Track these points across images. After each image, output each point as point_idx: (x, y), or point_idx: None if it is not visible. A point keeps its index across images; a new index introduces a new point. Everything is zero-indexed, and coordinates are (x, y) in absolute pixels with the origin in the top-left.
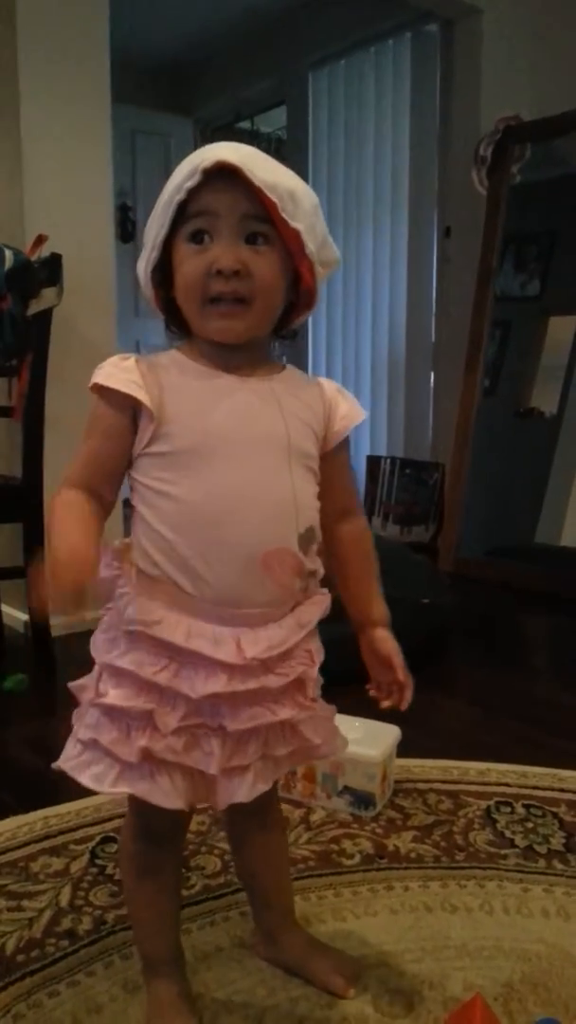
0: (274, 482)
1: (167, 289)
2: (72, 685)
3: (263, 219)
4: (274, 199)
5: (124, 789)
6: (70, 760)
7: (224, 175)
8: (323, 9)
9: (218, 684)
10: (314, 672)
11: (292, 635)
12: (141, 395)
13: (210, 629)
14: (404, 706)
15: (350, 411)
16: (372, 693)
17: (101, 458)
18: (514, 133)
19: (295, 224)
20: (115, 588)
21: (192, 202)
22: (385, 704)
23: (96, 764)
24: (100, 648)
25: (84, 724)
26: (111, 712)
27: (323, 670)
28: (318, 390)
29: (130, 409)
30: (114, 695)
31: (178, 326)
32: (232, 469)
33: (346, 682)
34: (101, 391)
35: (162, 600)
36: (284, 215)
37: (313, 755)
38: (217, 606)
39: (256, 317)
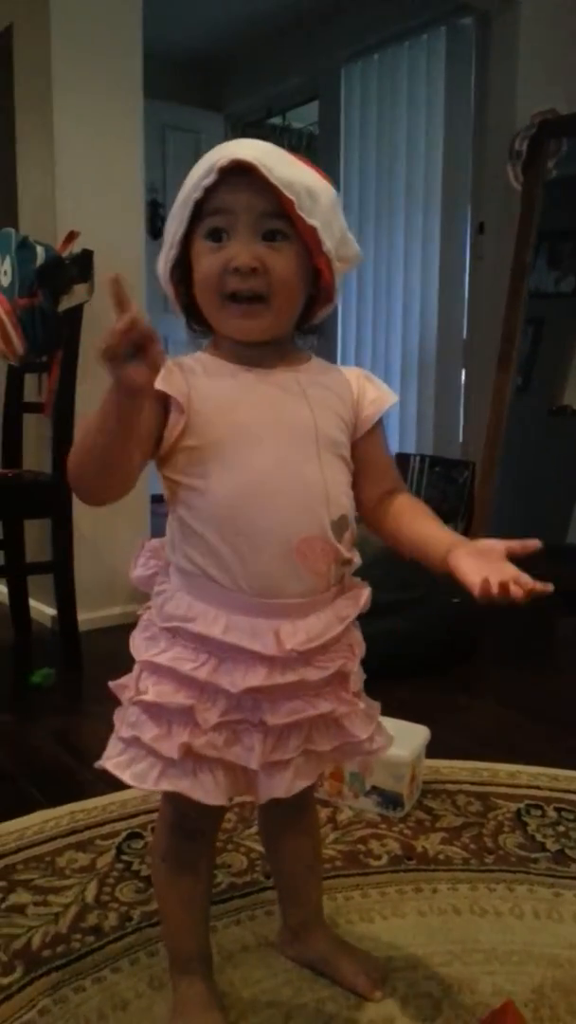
0: (303, 470)
1: (187, 286)
2: (113, 684)
3: (280, 216)
4: (291, 196)
5: (166, 787)
6: (112, 759)
7: (241, 172)
8: (356, 3)
9: (257, 678)
10: (355, 665)
11: (331, 628)
12: (170, 389)
13: (248, 622)
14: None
15: (379, 395)
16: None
17: None
18: (550, 127)
19: (312, 221)
20: (152, 585)
21: (209, 200)
22: (531, 587)
23: (138, 762)
24: (139, 647)
25: (126, 723)
26: (151, 709)
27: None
28: (344, 377)
29: (160, 402)
30: (154, 692)
31: (198, 323)
32: (261, 459)
33: (374, 679)
34: None
35: (199, 596)
36: (301, 212)
37: (359, 751)
38: (254, 598)
39: (275, 315)
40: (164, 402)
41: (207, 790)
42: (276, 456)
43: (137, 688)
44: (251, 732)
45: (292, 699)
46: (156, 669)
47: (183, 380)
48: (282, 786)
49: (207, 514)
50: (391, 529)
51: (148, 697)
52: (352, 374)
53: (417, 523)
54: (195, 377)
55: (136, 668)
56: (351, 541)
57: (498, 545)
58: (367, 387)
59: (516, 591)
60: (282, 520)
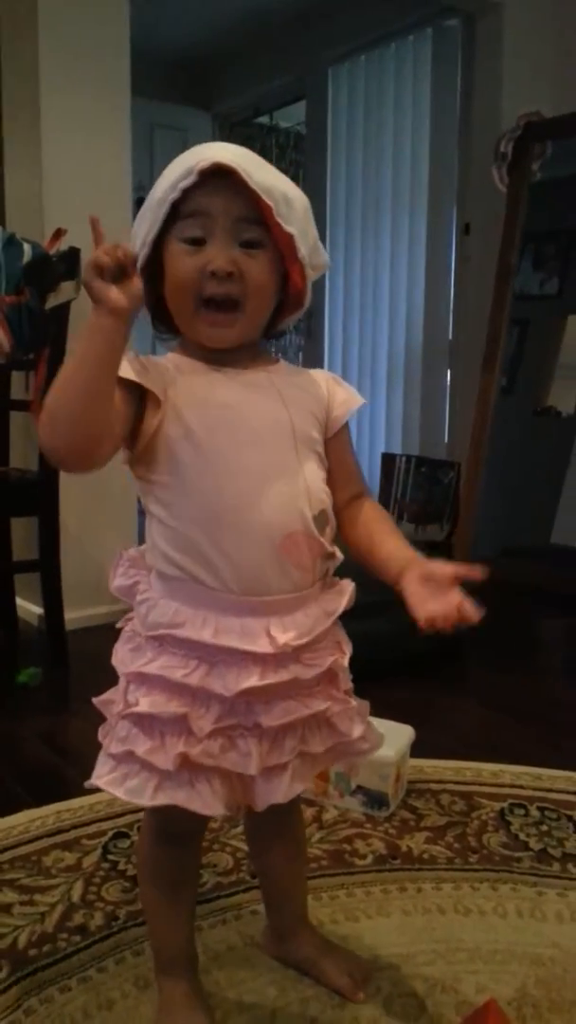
0: (284, 467)
1: (153, 286)
2: (97, 700)
3: (257, 222)
4: (269, 202)
5: (163, 800)
6: (104, 777)
7: (219, 176)
8: (343, 4)
9: (252, 679)
10: (345, 662)
11: (319, 623)
12: (147, 382)
13: (238, 623)
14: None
15: (348, 397)
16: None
17: None
18: (535, 130)
19: (289, 228)
20: (134, 595)
21: (186, 202)
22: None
23: (132, 777)
24: (125, 659)
25: (115, 738)
26: (143, 721)
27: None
28: (313, 379)
29: (134, 392)
30: (145, 703)
31: (164, 324)
32: (241, 457)
33: (359, 680)
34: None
35: (184, 600)
36: (279, 219)
37: (352, 751)
38: (242, 596)
39: (247, 321)
40: (138, 394)
41: (205, 800)
42: (256, 453)
43: (126, 701)
44: (246, 737)
45: (286, 699)
46: (145, 679)
47: (159, 376)
48: (280, 791)
49: (189, 514)
50: (356, 537)
51: (140, 709)
52: (320, 376)
53: (379, 537)
54: (169, 375)
55: (122, 681)
56: (332, 535)
57: (447, 570)
58: (336, 389)
59: (449, 623)
60: (266, 516)
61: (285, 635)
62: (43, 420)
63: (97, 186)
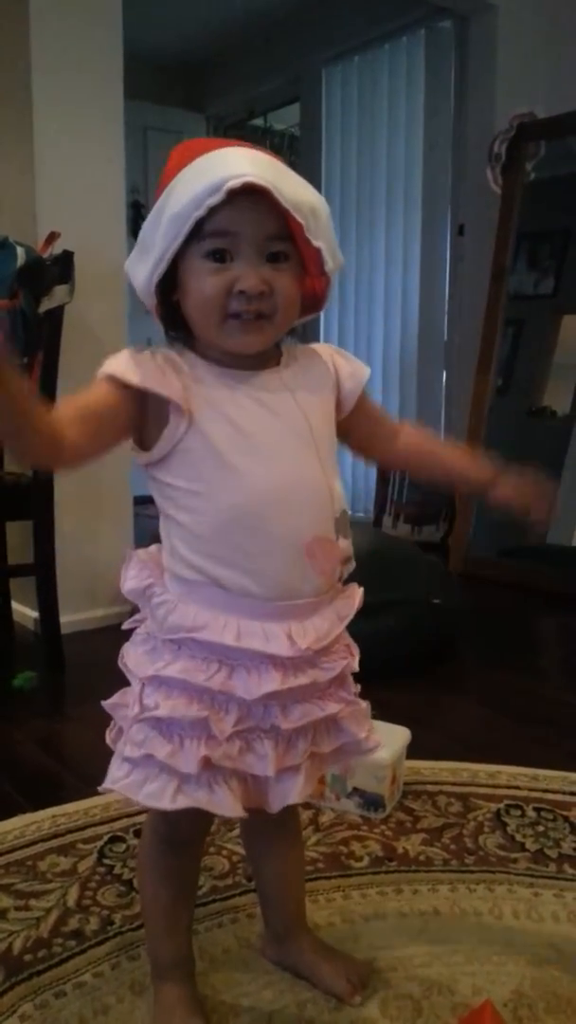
0: (308, 472)
1: (166, 295)
2: (107, 704)
3: (285, 237)
4: (300, 220)
5: (185, 803)
6: (119, 781)
7: (247, 192)
8: (337, 6)
9: (273, 683)
10: (355, 665)
11: (334, 627)
12: (168, 391)
13: (259, 626)
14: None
15: (355, 368)
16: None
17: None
18: (529, 130)
19: (317, 243)
20: (148, 598)
21: (211, 219)
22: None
23: (152, 781)
24: (140, 662)
25: (130, 742)
26: (161, 725)
27: None
28: (318, 358)
29: (138, 400)
30: (166, 707)
31: (178, 332)
32: (270, 466)
33: (356, 682)
34: (114, 380)
35: (205, 604)
36: (308, 235)
37: (358, 750)
38: (265, 601)
39: (276, 331)
40: (138, 394)
41: (225, 802)
42: (280, 459)
43: (143, 704)
44: (262, 739)
45: (303, 702)
46: (164, 683)
47: (178, 381)
48: (294, 791)
49: (213, 522)
50: (421, 465)
51: (160, 712)
52: (325, 352)
53: (448, 456)
54: (186, 378)
55: (137, 684)
56: (348, 533)
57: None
58: (340, 363)
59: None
60: (293, 523)
61: (305, 639)
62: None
63: (90, 189)
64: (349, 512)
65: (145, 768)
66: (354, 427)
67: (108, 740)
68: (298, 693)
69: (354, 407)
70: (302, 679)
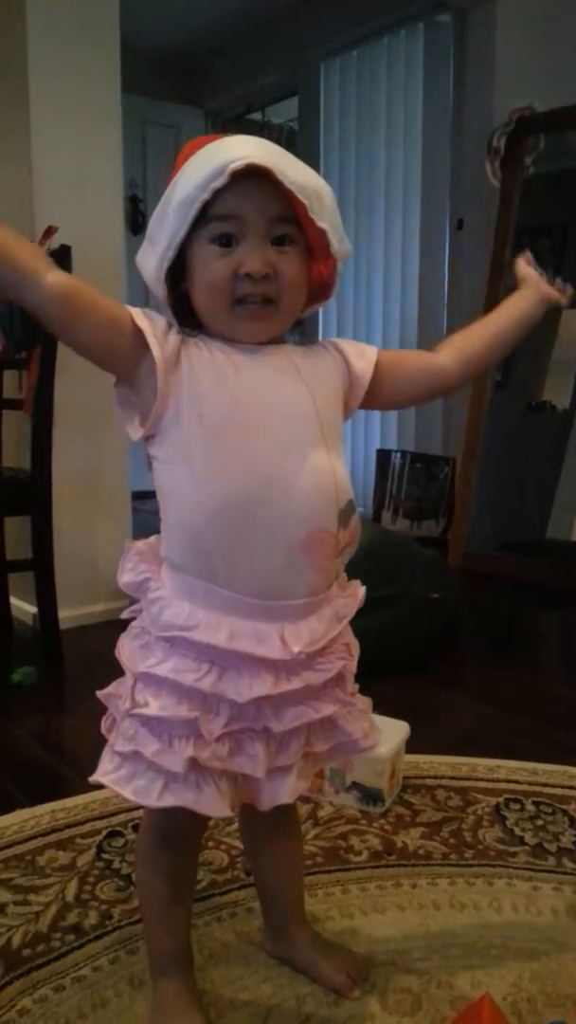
0: (311, 457)
1: (174, 284)
2: (101, 694)
3: (289, 220)
4: (304, 201)
5: (171, 802)
6: (109, 774)
7: (251, 175)
8: None
9: (265, 686)
10: (353, 665)
11: (331, 628)
12: (154, 346)
13: (251, 627)
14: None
15: (361, 349)
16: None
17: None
18: (528, 124)
19: (321, 224)
20: (144, 593)
21: (216, 203)
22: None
23: (139, 777)
24: (133, 657)
25: (122, 736)
26: (151, 723)
27: None
28: (324, 347)
29: (139, 352)
30: (155, 706)
31: (187, 321)
32: (265, 446)
33: (356, 677)
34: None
35: (199, 602)
36: (312, 216)
37: (354, 749)
38: (257, 600)
39: (283, 317)
40: (140, 343)
41: (211, 802)
42: (281, 443)
43: (134, 700)
44: (253, 740)
45: (296, 705)
46: (154, 681)
47: (176, 348)
48: (286, 791)
49: (208, 506)
50: (474, 367)
51: (150, 711)
52: (329, 343)
53: (476, 328)
54: (189, 348)
55: (130, 678)
56: (357, 525)
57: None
58: (347, 348)
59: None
60: (290, 513)
61: (298, 642)
62: None
63: (88, 183)
64: (353, 500)
65: (134, 763)
66: (390, 379)
67: (103, 729)
68: (291, 696)
69: (381, 379)
70: (295, 683)
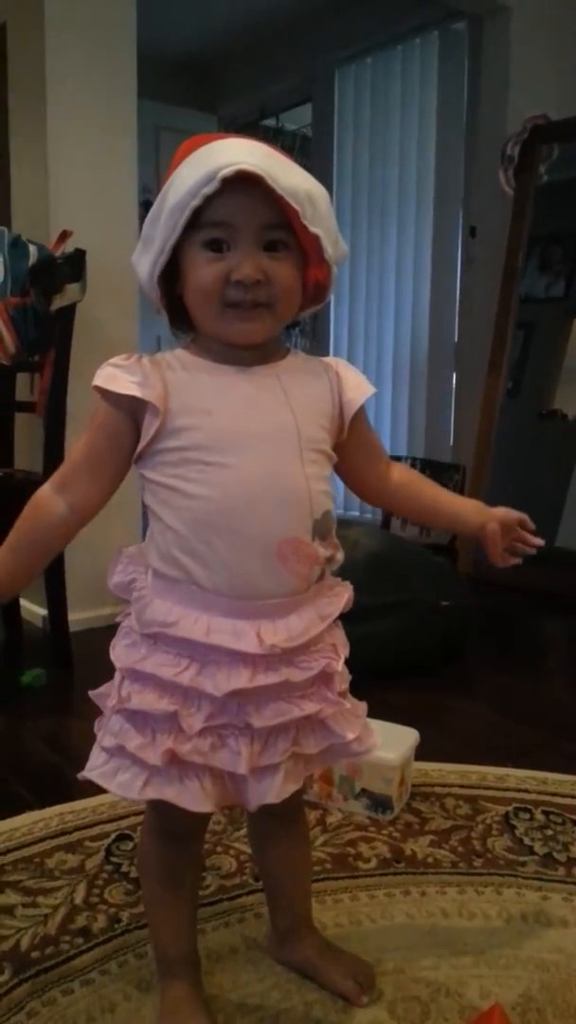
0: (287, 473)
1: (169, 286)
2: (93, 693)
3: (282, 226)
4: (296, 206)
5: (152, 795)
6: (96, 769)
7: (242, 180)
8: (350, 6)
9: (241, 680)
10: (339, 665)
11: (313, 626)
12: (143, 393)
13: (229, 624)
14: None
15: (359, 381)
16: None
17: (94, 454)
18: (542, 132)
19: (315, 229)
20: (131, 592)
21: (208, 209)
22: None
23: (123, 772)
24: (121, 655)
25: (108, 732)
26: (135, 717)
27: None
28: (323, 367)
29: (130, 410)
30: (137, 700)
31: (182, 324)
32: (245, 464)
33: (364, 682)
34: (103, 393)
35: (179, 600)
36: (305, 222)
37: (347, 752)
38: (235, 600)
39: (275, 320)
40: (136, 409)
41: (194, 798)
42: (261, 460)
43: (119, 696)
44: (236, 736)
45: (277, 700)
46: (138, 676)
47: (159, 380)
48: (272, 791)
49: (191, 516)
50: (407, 507)
51: (131, 704)
52: (331, 362)
53: (435, 501)
54: (173, 373)
55: (117, 675)
56: (333, 536)
57: (515, 516)
58: (346, 374)
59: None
60: (266, 524)
61: (274, 636)
62: None
63: (103, 188)
64: (333, 513)
65: (119, 758)
66: (349, 453)
67: (95, 728)
68: (270, 691)
69: (352, 430)
70: (273, 678)
